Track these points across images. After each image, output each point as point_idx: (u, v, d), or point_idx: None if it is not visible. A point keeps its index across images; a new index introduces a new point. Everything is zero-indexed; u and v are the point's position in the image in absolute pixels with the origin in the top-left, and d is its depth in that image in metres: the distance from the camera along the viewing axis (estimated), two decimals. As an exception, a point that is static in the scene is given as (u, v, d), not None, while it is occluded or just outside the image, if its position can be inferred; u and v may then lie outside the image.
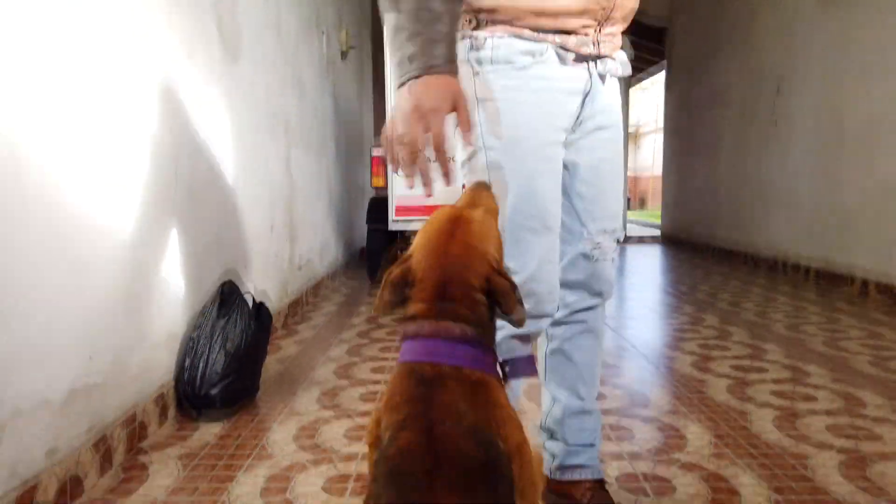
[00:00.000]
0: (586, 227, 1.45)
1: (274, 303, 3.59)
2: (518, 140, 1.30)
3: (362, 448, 2.01)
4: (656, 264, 6.89)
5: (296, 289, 4.12)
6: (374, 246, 5.21)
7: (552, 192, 1.35)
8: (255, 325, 2.38)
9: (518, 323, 0.97)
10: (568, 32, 1.32)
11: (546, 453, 1.60)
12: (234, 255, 2.95)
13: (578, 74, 1.35)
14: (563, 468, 1.56)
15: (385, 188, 4.82)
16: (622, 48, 1.45)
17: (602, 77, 1.39)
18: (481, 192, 1.15)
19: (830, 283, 5.22)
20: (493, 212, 1.12)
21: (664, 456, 1.94)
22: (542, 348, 1.60)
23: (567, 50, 1.33)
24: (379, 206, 5.16)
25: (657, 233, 10.05)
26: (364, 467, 1.87)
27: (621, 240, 1.52)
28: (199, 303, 2.45)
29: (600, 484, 1.56)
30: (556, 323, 1.54)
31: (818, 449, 2.00)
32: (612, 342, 3.43)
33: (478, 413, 0.88)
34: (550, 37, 1.30)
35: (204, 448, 2.01)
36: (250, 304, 2.47)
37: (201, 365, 2.23)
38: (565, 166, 1.42)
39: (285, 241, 3.92)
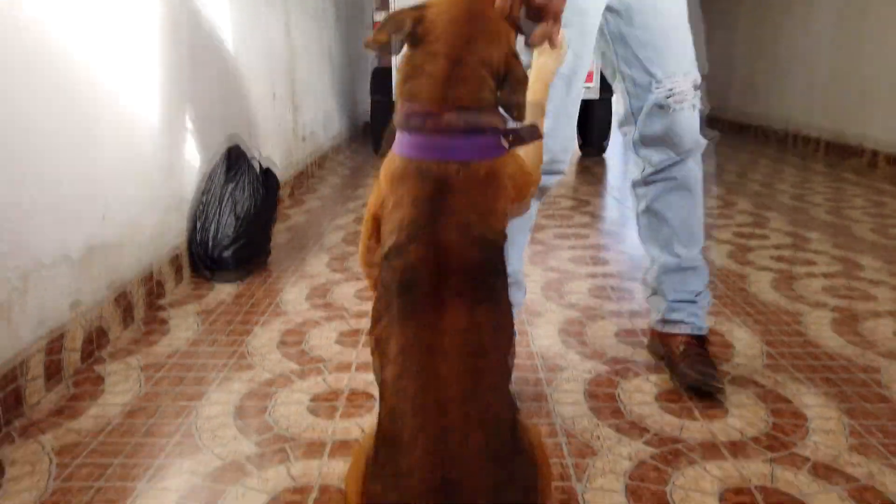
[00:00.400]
0: (654, 76, 1.41)
1: (280, 173, 3.59)
2: None
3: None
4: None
5: (301, 160, 4.10)
6: (379, 118, 5.11)
7: (573, 42, 1.31)
8: (264, 190, 2.39)
9: (518, 117, 0.93)
10: None
11: (651, 307, 1.66)
12: (237, 122, 2.91)
13: None
14: (664, 322, 1.61)
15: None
16: None
17: None
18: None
19: (840, 155, 5.17)
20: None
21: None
22: (634, 208, 1.62)
23: None
24: (383, 75, 5.01)
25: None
26: (375, 323, 1.95)
27: (699, 83, 1.43)
28: (208, 167, 2.46)
29: (698, 340, 1.58)
30: (644, 182, 1.54)
31: (812, 307, 2.07)
32: (616, 211, 3.45)
33: (484, 214, 0.88)
34: None
35: (220, 306, 2.09)
36: (257, 168, 2.47)
37: (212, 228, 2.27)
38: (618, 14, 1.39)
39: (288, 110, 3.86)
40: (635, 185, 1.58)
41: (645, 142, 1.49)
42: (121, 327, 1.85)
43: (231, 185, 2.33)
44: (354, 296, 2.18)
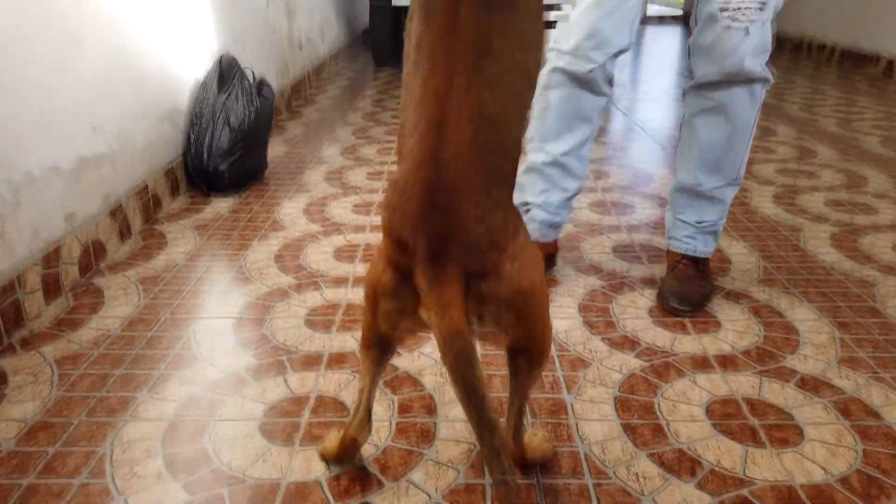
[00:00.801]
0: None
1: (275, 84, 3.50)
2: None
3: (370, 220, 2.07)
4: (675, 46, 6.56)
5: (297, 70, 3.99)
6: (379, 26, 4.93)
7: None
8: (259, 101, 2.33)
9: None
10: None
11: (665, 221, 1.68)
12: (229, 30, 2.80)
13: None
14: (669, 237, 1.64)
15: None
16: None
17: None
18: None
19: (854, 64, 5.00)
20: None
21: (662, 229, 2.00)
22: (684, 115, 1.60)
23: None
24: (382, -21, 4.80)
25: (679, 12, 9.43)
26: (372, 238, 1.95)
27: (766, 4, 1.34)
28: (200, 77, 2.39)
29: (693, 260, 1.59)
30: (692, 92, 1.51)
31: (812, 222, 2.06)
32: (621, 124, 3.38)
33: None
34: None
35: (217, 220, 2.08)
36: (251, 79, 2.40)
37: (207, 140, 2.23)
38: None
39: (282, 16, 3.71)
40: (684, 92, 1.57)
41: (694, 50, 1.46)
42: (118, 241, 1.86)
43: (224, 96, 2.27)
44: (352, 210, 2.17)
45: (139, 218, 1.98)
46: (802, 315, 1.50)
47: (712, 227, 1.58)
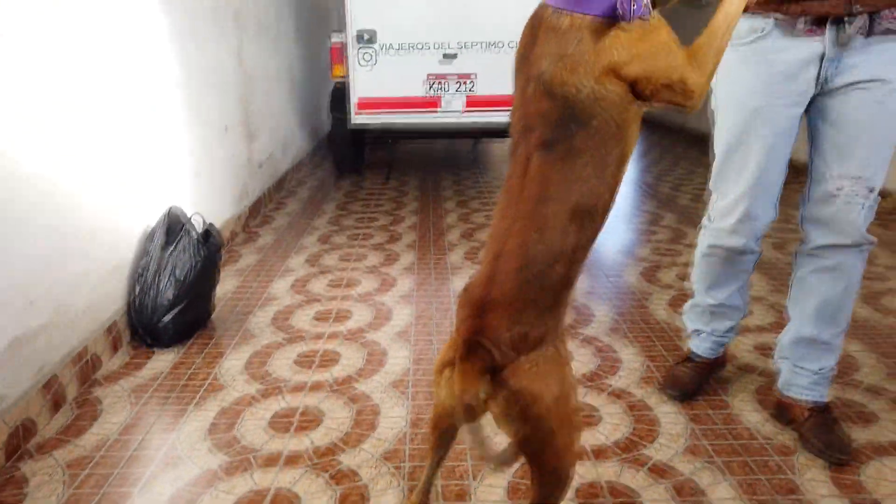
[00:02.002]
0: (830, 169, 1.55)
1: (233, 208, 3.57)
2: (734, 101, 1.61)
3: (311, 377, 2.09)
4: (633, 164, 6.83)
5: (256, 188, 4.07)
6: (340, 136, 5.07)
7: (763, 144, 1.58)
8: (205, 251, 2.38)
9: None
10: None
11: (779, 370, 1.82)
12: (182, 169, 2.88)
13: (810, 42, 1.47)
14: (788, 385, 1.77)
15: (345, 78, 4.61)
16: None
17: (845, 42, 1.44)
18: None
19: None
20: None
21: (597, 381, 2.04)
22: (793, 273, 1.76)
23: (805, 14, 1.42)
24: (342, 94, 4.96)
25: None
26: (309, 399, 1.96)
27: (874, 189, 1.54)
28: (147, 228, 2.43)
29: (820, 408, 1.72)
30: (805, 255, 1.69)
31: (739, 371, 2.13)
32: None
33: (558, 64, 1.00)
34: (773, 13, 1.46)
35: (157, 379, 2.08)
36: (199, 227, 2.45)
37: (152, 293, 2.26)
38: (819, 114, 1.56)
39: (242, 141, 3.82)
40: (797, 252, 1.72)
41: (809, 220, 1.64)
42: (50, 414, 1.84)
43: (171, 249, 2.31)
44: (294, 362, 2.19)
45: (75, 384, 1.98)
46: (667, 409, 1.86)
47: (831, 372, 1.73)
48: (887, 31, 1.43)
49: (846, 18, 1.42)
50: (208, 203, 3.13)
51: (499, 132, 4.95)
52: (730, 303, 1.85)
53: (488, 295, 1.03)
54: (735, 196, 1.67)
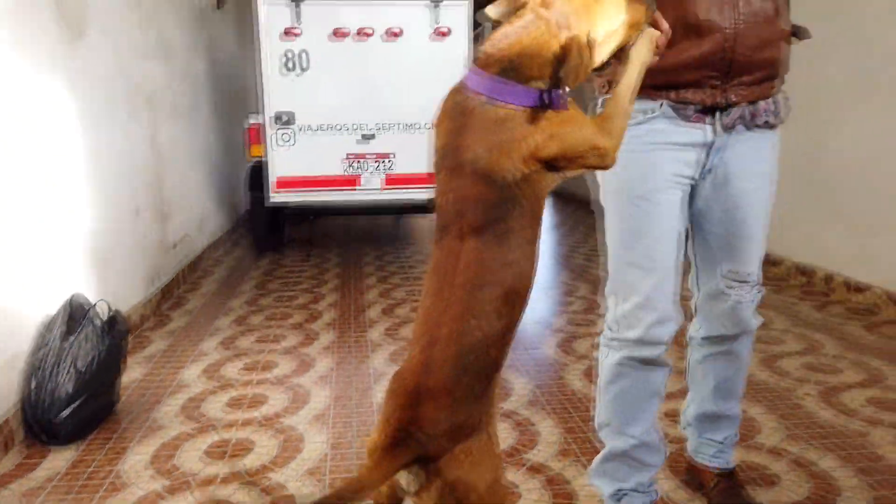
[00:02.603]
0: (718, 265, 1.56)
1: (143, 292, 3.45)
2: (622, 187, 1.49)
3: (223, 468, 2.00)
4: (543, 224, 7.08)
5: (169, 270, 3.96)
6: (259, 215, 5.03)
7: (660, 233, 1.47)
8: (109, 340, 2.28)
9: (569, 85, 1.07)
10: (686, 86, 1.39)
11: (687, 437, 1.86)
12: (88, 253, 2.78)
13: (696, 129, 1.43)
14: (696, 453, 1.82)
15: (263, 158, 4.63)
16: (773, 96, 1.45)
17: (729, 128, 1.43)
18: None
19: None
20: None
21: (516, 456, 2.05)
22: (688, 355, 1.77)
23: (686, 103, 1.41)
24: (259, 172, 4.94)
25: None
26: (221, 492, 1.87)
27: (755, 283, 1.56)
28: (46, 318, 2.32)
29: (727, 473, 1.78)
30: (698, 342, 1.70)
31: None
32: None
33: (494, 151, 1.05)
34: (664, 93, 1.41)
35: (53, 480, 1.94)
36: (104, 314, 2.36)
37: (49, 387, 2.13)
38: (701, 208, 1.53)
39: (154, 223, 3.74)
40: (691, 338, 1.73)
41: (701, 311, 1.65)
42: (-73, 526, 1.68)
43: (72, 339, 2.20)
44: (205, 453, 2.09)
45: (-43, 491, 1.82)
46: (583, 482, 1.86)
47: (734, 439, 1.79)
48: (766, 125, 1.46)
49: (726, 108, 1.42)
50: (116, 287, 3.02)
51: (419, 208, 5.06)
52: (650, 440, 1.60)
53: (423, 384, 1.02)
54: (641, 297, 1.47)
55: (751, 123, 1.44)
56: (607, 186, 1.53)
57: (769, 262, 4.33)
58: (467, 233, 1.05)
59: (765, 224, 1.55)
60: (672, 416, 2.30)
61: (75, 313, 2.27)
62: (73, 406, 2.13)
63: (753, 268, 1.56)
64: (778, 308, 3.55)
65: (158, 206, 3.83)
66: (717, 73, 1.36)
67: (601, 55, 1.13)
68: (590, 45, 1.07)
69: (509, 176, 1.04)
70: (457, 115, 1.09)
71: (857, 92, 3.60)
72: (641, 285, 1.48)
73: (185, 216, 4.38)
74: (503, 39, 1.08)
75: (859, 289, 3.64)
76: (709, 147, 1.45)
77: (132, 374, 2.70)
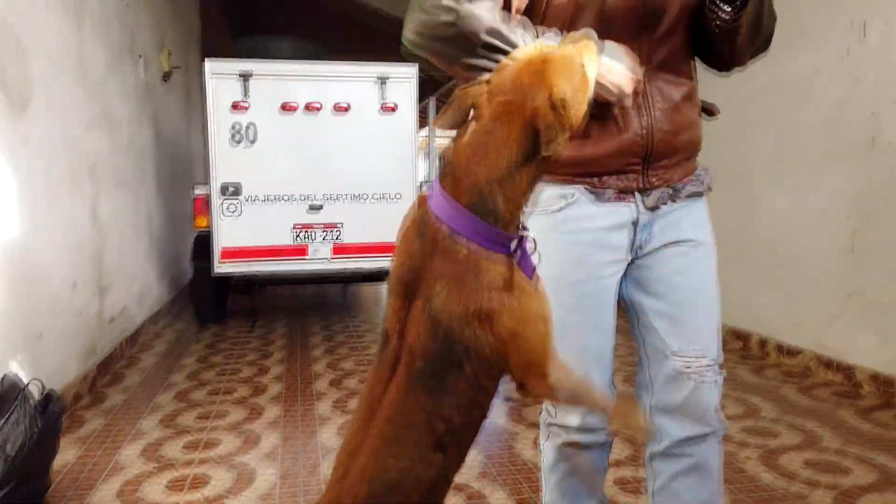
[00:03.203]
0: (667, 346, 1.39)
1: (79, 367, 3.31)
2: (551, 278, 1.29)
3: (161, 556, 1.90)
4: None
5: (107, 345, 3.82)
6: (202, 287, 4.95)
7: (590, 322, 1.40)
8: (42, 422, 2.17)
9: (549, 150, 0.98)
10: (607, 173, 1.35)
11: None
12: (22, 330, 2.67)
13: (620, 209, 1.37)
14: None
15: (209, 228, 4.59)
16: (695, 173, 1.42)
17: (654, 208, 1.37)
18: (580, 40, 1.10)
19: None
20: (583, 55, 1.07)
21: (468, 533, 2.03)
22: (648, 485, 1.50)
23: (605, 187, 1.35)
24: (204, 242, 4.90)
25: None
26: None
27: (715, 360, 1.39)
28: (-26, 397, 2.20)
29: None
30: (662, 457, 1.43)
31: None
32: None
33: (448, 293, 0.95)
34: (585, 179, 1.36)
35: (-27, 576, 1.80)
36: (38, 394, 2.25)
37: (-27, 474, 2.00)
38: (638, 286, 1.43)
39: (93, 296, 3.63)
40: (652, 458, 1.46)
41: (662, 411, 1.41)
42: None
43: (1, 422, 2.09)
44: (142, 541, 1.99)
45: None
46: None
47: None
48: (693, 194, 1.42)
49: (647, 191, 1.38)
50: (50, 364, 2.89)
51: (367, 277, 5.06)
52: None
53: None
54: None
55: (675, 197, 1.40)
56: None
57: (707, 326, 4.50)
58: (404, 362, 0.95)
59: (711, 295, 1.42)
60: (620, 484, 2.32)
61: (6, 394, 2.16)
62: (2, 493, 2.00)
63: (707, 342, 1.39)
64: (761, 391, 3.66)
65: (97, 279, 3.72)
66: (637, 159, 1.34)
67: (577, 111, 1.05)
68: (561, 104, 0.99)
69: (458, 330, 0.94)
70: (422, 234, 1.00)
71: (783, 167, 3.86)
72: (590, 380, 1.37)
73: (124, 289, 4.27)
74: (470, 157, 0.99)
75: (791, 352, 3.81)
76: (635, 224, 1.39)
77: (65, 455, 2.57)
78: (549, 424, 1.49)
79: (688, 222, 1.41)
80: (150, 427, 2.94)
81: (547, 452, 1.52)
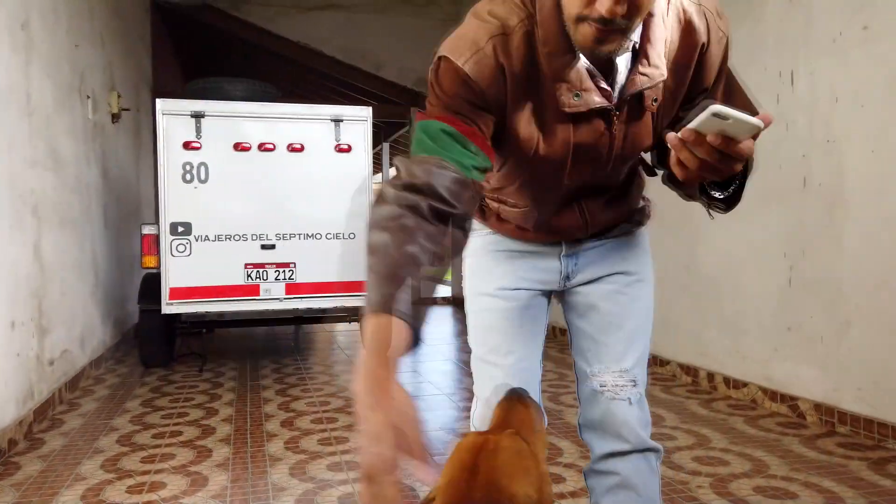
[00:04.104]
0: (590, 367, 1.44)
1: (15, 412, 3.15)
2: (480, 285, 1.46)
3: None
4: (446, 329, 7.17)
5: (45, 389, 3.66)
6: (149, 328, 4.80)
7: (508, 325, 1.43)
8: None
9: None
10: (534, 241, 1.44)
11: None
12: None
13: (549, 246, 1.44)
14: None
15: (158, 268, 4.50)
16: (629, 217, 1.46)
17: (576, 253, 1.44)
18: (514, 407, 1.02)
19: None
20: (528, 432, 0.96)
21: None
22: (589, 499, 1.49)
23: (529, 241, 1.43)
24: (153, 282, 4.79)
25: (448, 294, 10.38)
26: None
27: (637, 383, 1.42)
28: None
29: None
30: (593, 473, 1.45)
31: None
32: (391, 429, 3.47)
33: None
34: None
35: None
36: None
37: None
38: (571, 309, 1.48)
39: (31, 337, 3.48)
40: (586, 474, 1.49)
41: (586, 427, 1.46)
42: None
43: (-72, 463, 1.98)
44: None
45: None
46: None
47: None
48: (625, 231, 1.46)
49: None
50: (-16, 407, 2.75)
51: (319, 318, 5.01)
52: None
53: None
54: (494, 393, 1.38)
55: (603, 237, 1.45)
56: (470, 288, 1.52)
57: (657, 362, 4.59)
58: None
59: (638, 321, 1.45)
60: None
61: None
62: (-76, 542, 1.88)
63: (627, 365, 1.42)
64: (668, 406, 3.73)
65: (37, 320, 3.59)
66: (571, 236, 1.44)
67: None
68: None
69: None
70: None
71: (719, 205, 4.02)
72: (488, 381, 1.42)
73: (66, 331, 4.11)
74: None
75: (737, 385, 3.91)
76: (561, 255, 1.44)
77: (-4, 504, 2.43)
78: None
79: (617, 255, 1.46)
80: (91, 471, 2.81)
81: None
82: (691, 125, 0.96)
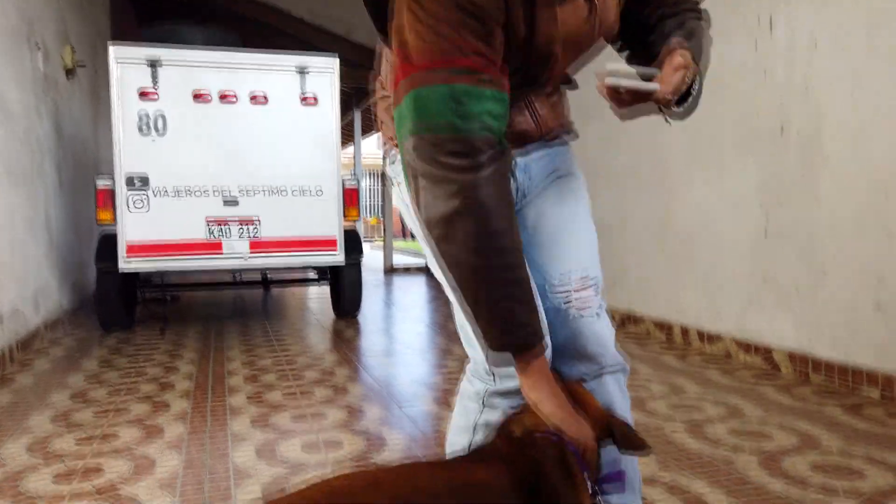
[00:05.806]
0: (548, 279, 1.26)
1: (-43, 366, 2.97)
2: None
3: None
4: (419, 296, 7.07)
5: (-6, 346, 3.47)
6: (107, 289, 4.60)
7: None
8: None
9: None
10: None
11: None
12: None
13: None
14: None
15: (114, 224, 4.30)
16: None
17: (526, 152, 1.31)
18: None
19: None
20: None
21: None
22: None
23: None
24: (110, 243, 4.58)
25: (423, 263, 10.35)
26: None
27: (600, 288, 1.28)
28: None
29: None
30: None
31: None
32: (361, 387, 3.37)
33: None
34: None
35: None
36: None
37: None
38: (523, 226, 1.30)
39: (-23, 291, 3.29)
40: None
41: (556, 354, 1.25)
42: None
43: None
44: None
45: None
46: None
47: None
48: (563, 142, 1.38)
49: None
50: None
51: (289, 280, 4.86)
52: None
53: None
54: None
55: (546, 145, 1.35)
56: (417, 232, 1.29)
57: (631, 320, 4.54)
58: None
59: (589, 222, 1.35)
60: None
61: None
62: None
63: (590, 269, 1.29)
64: (642, 359, 3.68)
65: (-17, 273, 3.39)
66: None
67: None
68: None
69: None
70: None
71: (697, 159, 3.96)
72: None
73: (17, 290, 3.91)
74: None
75: (711, 339, 3.87)
76: (515, 170, 1.31)
77: (-68, 455, 2.27)
78: (491, 395, 1.24)
79: (564, 159, 1.36)
80: (39, 425, 2.65)
81: (482, 429, 1.27)
82: (607, 81, 1.07)
